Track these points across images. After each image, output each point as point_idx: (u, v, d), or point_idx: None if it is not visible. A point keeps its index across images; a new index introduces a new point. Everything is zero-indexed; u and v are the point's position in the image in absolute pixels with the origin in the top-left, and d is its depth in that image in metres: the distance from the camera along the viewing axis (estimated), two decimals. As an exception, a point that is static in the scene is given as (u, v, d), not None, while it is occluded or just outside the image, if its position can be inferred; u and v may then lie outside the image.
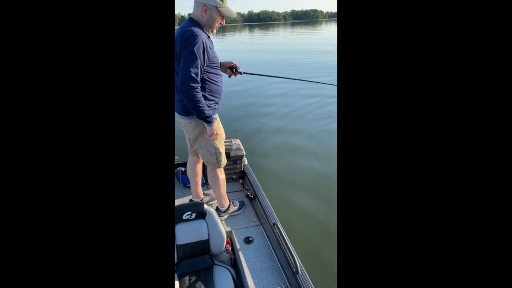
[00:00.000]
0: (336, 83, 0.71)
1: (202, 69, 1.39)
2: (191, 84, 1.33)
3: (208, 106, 1.47)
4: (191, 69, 1.32)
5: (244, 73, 1.73)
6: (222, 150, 1.69)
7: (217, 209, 1.87)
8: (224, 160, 1.74)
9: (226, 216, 1.87)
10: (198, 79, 1.36)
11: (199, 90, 1.37)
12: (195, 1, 1.40)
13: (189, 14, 1.65)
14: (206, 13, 1.39)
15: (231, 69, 1.69)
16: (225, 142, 2.19)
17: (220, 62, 1.61)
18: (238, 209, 1.93)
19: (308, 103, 5.49)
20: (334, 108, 4.99)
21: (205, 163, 1.78)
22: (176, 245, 1.44)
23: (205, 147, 1.64)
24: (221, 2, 1.38)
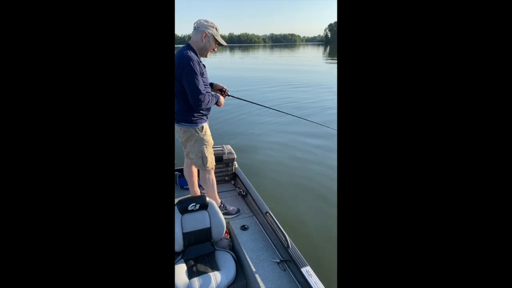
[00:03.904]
0: (336, 128, 0.72)
1: (202, 82, 1.70)
2: (200, 97, 1.66)
3: (199, 117, 1.80)
4: (197, 85, 1.64)
5: (230, 95, 2.05)
6: (208, 154, 1.91)
7: None
8: (210, 164, 1.95)
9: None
10: (203, 90, 1.68)
11: (206, 96, 1.69)
12: (195, 29, 1.72)
13: (189, 35, 1.94)
14: (205, 39, 1.71)
15: (221, 91, 2.01)
16: (217, 147, 2.44)
17: (213, 83, 1.96)
18: (234, 213, 2.08)
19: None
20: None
21: (194, 165, 2.01)
22: (183, 233, 1.64)
23: (193, 150, 1.90)
24: (216, 32, 1.74)
